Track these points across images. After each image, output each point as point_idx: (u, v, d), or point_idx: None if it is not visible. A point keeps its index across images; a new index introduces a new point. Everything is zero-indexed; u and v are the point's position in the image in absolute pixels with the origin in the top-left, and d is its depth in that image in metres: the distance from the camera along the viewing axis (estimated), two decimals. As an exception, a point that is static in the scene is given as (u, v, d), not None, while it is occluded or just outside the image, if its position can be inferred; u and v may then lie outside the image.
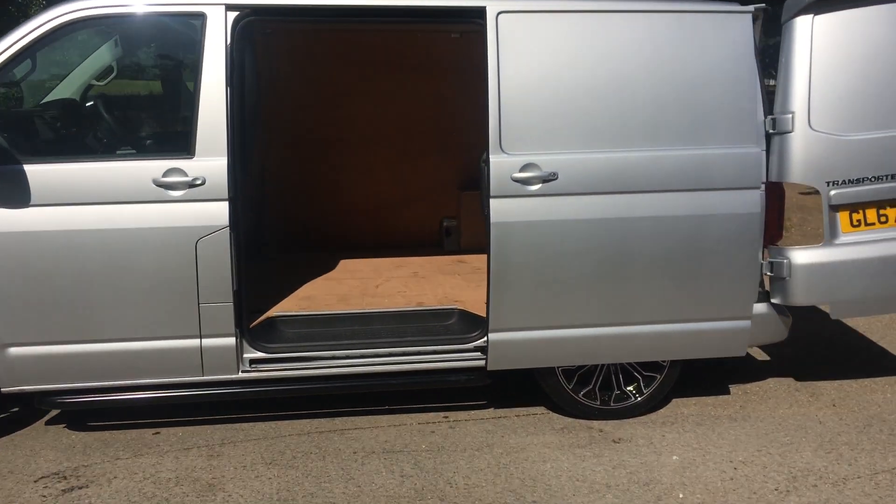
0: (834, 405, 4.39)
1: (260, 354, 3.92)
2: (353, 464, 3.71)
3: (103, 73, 4.05)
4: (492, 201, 3.79)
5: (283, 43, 5.34)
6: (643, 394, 4.23)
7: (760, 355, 5.17)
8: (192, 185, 3.67)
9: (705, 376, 4.68)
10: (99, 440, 3.95)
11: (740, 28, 3.94)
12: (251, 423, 4.13)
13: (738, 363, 4.80)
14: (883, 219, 4.12)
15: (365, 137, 5.57)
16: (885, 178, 4.04)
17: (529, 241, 3.82)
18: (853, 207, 4.09)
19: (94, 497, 3.41)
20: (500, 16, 3.79)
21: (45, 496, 3.42)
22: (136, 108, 4.12)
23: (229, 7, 3.73)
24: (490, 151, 3.77)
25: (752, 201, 3.95)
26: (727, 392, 4.56)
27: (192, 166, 3.68)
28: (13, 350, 3.70)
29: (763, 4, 4.04)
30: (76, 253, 3.63)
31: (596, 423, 4.15)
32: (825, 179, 4.01)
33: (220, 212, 3.70)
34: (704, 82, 3.91)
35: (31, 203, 3.61)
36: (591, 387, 4.19)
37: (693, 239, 3.93)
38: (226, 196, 3.70)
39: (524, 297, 3.87)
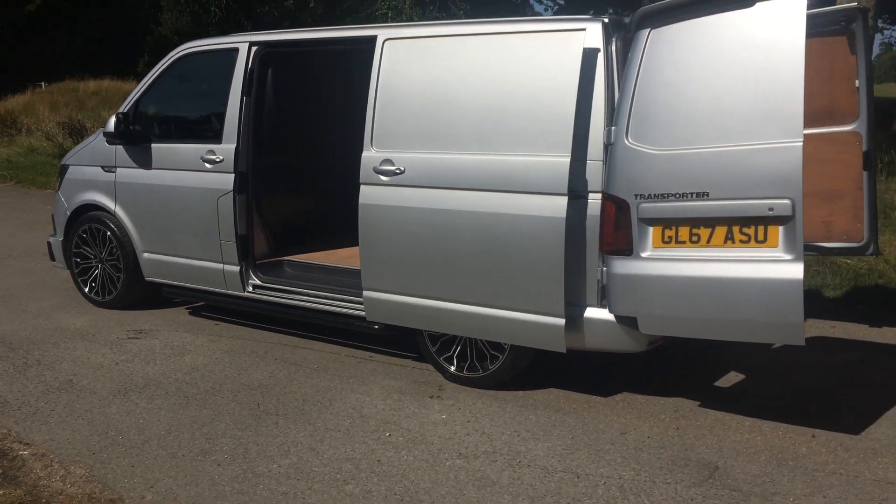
0: (676, 428, 4.25)
1: (258, 282, 5.71)
2: (258, 361, 5.28)
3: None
4: (361, 187, 4.89)
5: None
6: (488, 370, 4.77)
7: (729, 380, 4.92)
8: (216, 161, 5.64)
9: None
10: (182, 321, 6.23)
11: (564, 45, 4.24)
12: (260, 331, 5.93)
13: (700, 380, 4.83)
14: (695, 238, 3.96)
15: None
16: (689, 195, 3.91)
17: (382, 221, 4.81)
18: (665, 223, 4.03)
19: (140, 340, 5.70)
20: (386, 42, 4.85)
21: (121, 337, 5.83)
22: (201, 109, 6.21)
23: (252, 43, 5.57)
24: (364, 147, 4.88)
25: (557, 206, 4.24)
26: (609, 395, 4.69)
27: (218, 149, 5.64)
28: (146, 255, 6.19)
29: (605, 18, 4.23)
30: (166, 198, 5.90)
31: (448, 384, 4.88)
32: (633, 192, 4.07)
33: (229, 180, 5.59)
34: (521, 96, 4.35)
35: (153, 167, 6.01)
36: (450, 353, 4.91)
37: (504, 234, 4.41)
38: (232, 170, 5.57)
39: (378, 265, 4.88)
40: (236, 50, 5.62)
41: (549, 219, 4.26)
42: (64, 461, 3.98)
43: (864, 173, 5.27)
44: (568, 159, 4.21)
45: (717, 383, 4.93)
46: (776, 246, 3.74)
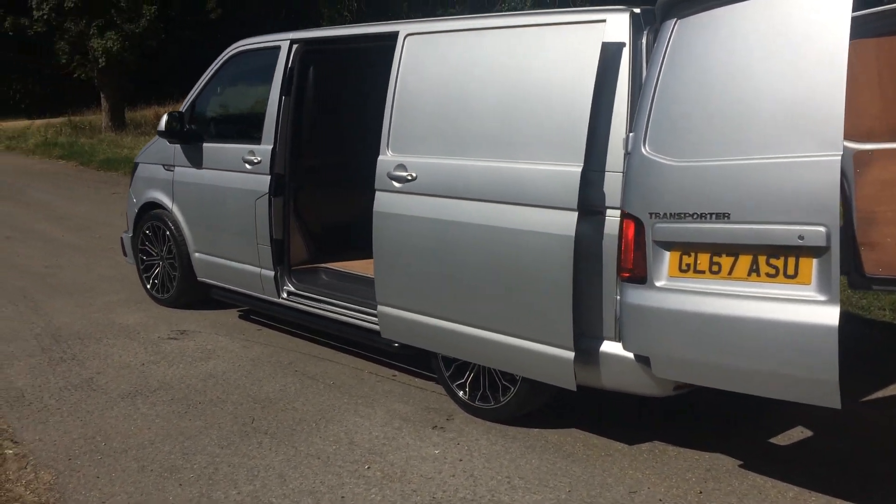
0: (700, 492, 3.59)
1: (293, 289, 5.49)
2: (277, 372, 5.05)
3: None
4: (376, 193, 4.54)
5: None
6: (500, 402, 4.27)
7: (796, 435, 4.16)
8: (255, 162, 5.48)
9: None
10: (227, 324, 6.11)
11: (581, 39, 3.70)
12: (296, 339, 5.70)
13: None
14: (715, 268, 3.31)
15: None
16: (708, 216, 3.26)
17: (394, 231, 4.43)
18: (685, 248, 3.40)
19: (177, 341, 5.64)
20: (407, 38, 4.47)
21: (162, 336, 5.80)
22: (246, 109, 6.04)
23: (293, 41, 5.35)
24: (380, 150, 4.52)
25: (566, 223, 3.70)
26: (636, 443, 4.08)
27: (258, 150, 5.48)
28: (197, 254, 6.14)
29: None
30: (213, 198, 5.82)
31: (459, 414, 4.43)
32: (648, 210, 3.47)
33: (266, 182, 5.40)
34: (534, 97, 3.85)
35: (203, 166, 5.95)
36: (463, 380, 4.45)
37: (512, 252, 3.91)
38: (268, 171, 5.38)
39: (391, 279, 4.50)
40: (278, 48, 5.42)
41: (557, 236, 3.72)
42: (38, 465, 3.90)
43: None
44: (579, 169, 3.65)
45: (773, 439, 4.18)
46: (808, 283, 3.02)
